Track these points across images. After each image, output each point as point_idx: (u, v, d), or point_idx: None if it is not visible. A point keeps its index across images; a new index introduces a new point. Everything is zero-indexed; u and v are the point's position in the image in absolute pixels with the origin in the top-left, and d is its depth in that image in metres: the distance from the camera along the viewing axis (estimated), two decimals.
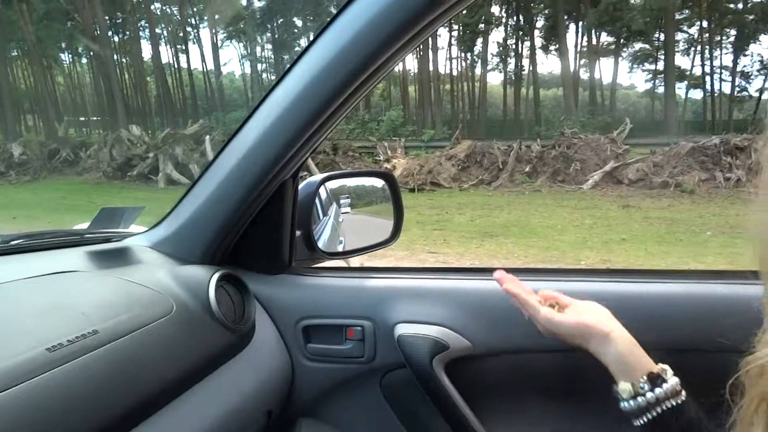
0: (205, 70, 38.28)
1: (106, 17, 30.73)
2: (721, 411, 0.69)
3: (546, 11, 29.99)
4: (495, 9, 30.38)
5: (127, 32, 34.33)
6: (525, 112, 32.46)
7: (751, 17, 28.17)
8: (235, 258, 1.26)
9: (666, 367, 0.85)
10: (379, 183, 1.66)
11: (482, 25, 29.83)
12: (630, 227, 9.19)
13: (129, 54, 35.04)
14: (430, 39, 27.62)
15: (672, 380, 0.83)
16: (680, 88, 31.26)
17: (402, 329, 1.17)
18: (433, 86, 28.54)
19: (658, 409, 0.81)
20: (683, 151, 12.86)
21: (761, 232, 0.60)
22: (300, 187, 1.30)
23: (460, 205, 11.71)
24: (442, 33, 31.88)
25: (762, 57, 30.67)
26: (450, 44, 33.21)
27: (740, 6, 28.64)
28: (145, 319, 0.93)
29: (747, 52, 31.07)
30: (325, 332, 1.25)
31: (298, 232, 1.30)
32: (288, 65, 1.05)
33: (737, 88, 31.85)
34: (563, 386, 1.17)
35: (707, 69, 32.12)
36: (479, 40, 31.64)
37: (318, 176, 1.35)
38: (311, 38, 1.03)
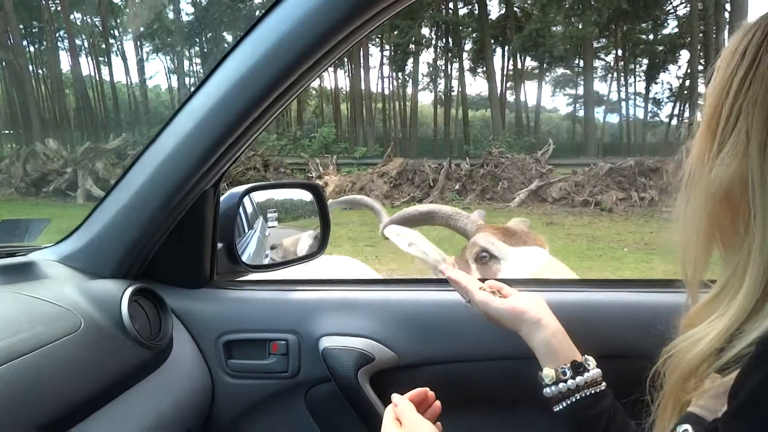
0: (129, 83, 36.91)
1: (21, 26, 29.12)
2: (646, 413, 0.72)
3: (473, 35, 31.03)
4: (425, 30, 31.16)
5: (44, 42, 32.63)
6: (455, 131, 33.27)
7: (661, 48, 30.36)
8: (152, 272, 1.21)
9: (590, 358, 0.90)
10: (306, 196, 1.64)
11: (412, 46, 30.46)
12: (554, 244, 9.54)
13: (46, 65, 33.29)
14: (361, 58, 27.94)
15: (594, 371, 0.88)
16: (599, 112, 33.14)
17: (327, 342, 1.15)
18: (365, 104, 28.78)
19: (578, 396, 0.86)
20: (602, 171, 13.57)
21: (680, 249, 0.65)
22: (222, 198, 1.26)
23: None
24: (374, 52, 32.35)
25: (671, 85, 33.11)
26: (382, 63, 33.71)
27: (651, 37, 30.82)
28: (48, 337, 0.87)
29: (658, 80, 33.49)
30: (248, 347, 1.21)
31: (220, 245, 1.26)
32: (207, 72, 1.02)
33: (650, 114, 34.22)
34: (489, 395, 1.19)
35: (623, 95, 34.29)
36: (410, 61, 32.29)
37: (241, 187, 1.32)
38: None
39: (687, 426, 0.58)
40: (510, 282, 1.20)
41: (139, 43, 34.43)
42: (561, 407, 0.88)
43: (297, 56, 0.92)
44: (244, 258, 1.37)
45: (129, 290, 1.03)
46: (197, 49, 35.63)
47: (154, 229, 1.12)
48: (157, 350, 1.05)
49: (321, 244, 1.44)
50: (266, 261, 1.64)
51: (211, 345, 1.21)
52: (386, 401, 1.15)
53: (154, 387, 1.04)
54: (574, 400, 0.87)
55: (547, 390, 0.89)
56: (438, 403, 0.91)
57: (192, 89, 1.05)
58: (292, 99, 1.06)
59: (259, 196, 1.71)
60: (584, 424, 0.86)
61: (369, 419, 1.15)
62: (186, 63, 36.83)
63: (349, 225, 11.15)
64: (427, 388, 0.90)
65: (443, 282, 1.28)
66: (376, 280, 1.32)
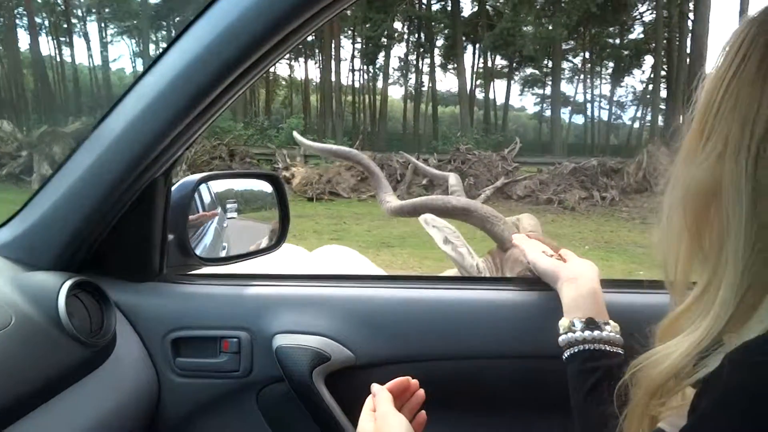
0: (91, 65, 35.81)
1: None
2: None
3: (445, 31, 31.14)
4: (397, 24, 31.11)
5: (2, 18, 31.35)
6: (424, 127, 33.40)
7: (627, 52, 31.06)
8: (96, 264, 1.13)
9: (612, 323, 0.93)
10: (267, 187, 1.58)
11: (384, 40, 30.38)
12: None
13: (2, 42, 31.98)
14: (333, 49, 27.71)
15: (607, 333, 0.91)
16: (565, 113, 33.81)
17: (281, 340, 1.10)
18: (335, 96, 28.55)
19: (581, 347, 0.91)
20: (566, 170, 13.80)
21: (661, 251, 0.63)
22: (174, 187, 1.19)
23: (358, 215, 11.74)
24: (346, 44, 32.16)
25: (635, 89, 33.96)
26: (353, 56, 33.55)
27: (618, 41, 31.47)
28: None
29: (622, 84, 34.29)
30: (198, 345, 1.15)
31: (171, 236, 1.19)
32: (159, 51, 0.96)
33: (614, 116, 35.09)
34: (448, 395, 1.16)
35: (588, 97, 35.03)
36: (381, 54, 32.22)
37: (195, 176, 1.25)
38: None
39: None
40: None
41: (103, 25, 33.44)
42: (566, 355, 0.93)
43: (255, 38, 0.86)
44: (199, 250, 1.31)
45: (67, 283, 0.96)
46: (164, 33, 34.83)
47: (99, 218, 1.04)
48: (98, 348, 0.98)
49: (279, 237, 1.38)
50: (223, 254, 1.58)
51: (158, 342, 1.14)
52: (341, 402, 1.12)
53: (94, 387, 0.97)
54: (577, 350, 0.91)
55: (560, 339, 0.94)
56: (421, 392, 0.91)
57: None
58: (251, 83, 1.00)
59: (218, 186, 1.64)
60: (579, 375, 0.90)
61: (323, 420, 1.10)
62: (152, 47, 35.95)
63: (315, 218, 11.07)
64: (409, 377, 0.89)
65: (403, 279, 1.25)
66: (334, 276, 1.27)
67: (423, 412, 0.90)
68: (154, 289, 1.18)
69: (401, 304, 1.14)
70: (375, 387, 0.88)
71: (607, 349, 0.90)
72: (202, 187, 1.46)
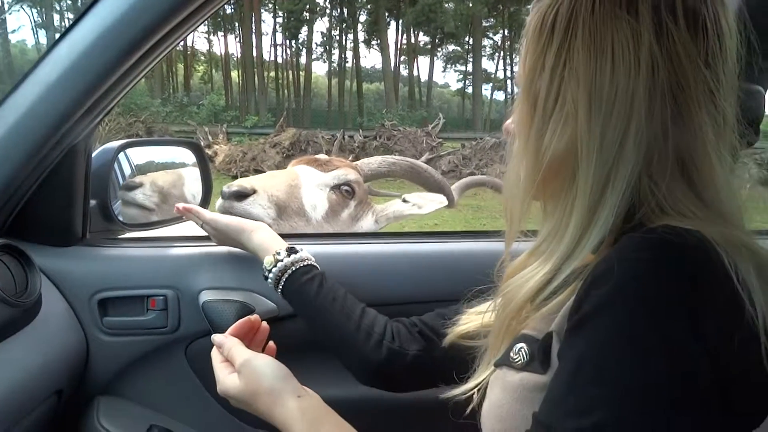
0: None
1: None
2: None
3: (368, 6, 30.93)
4: None
5: None
6: (349, 103, 33.21)
7: None
8: (18, 229, 1.15)
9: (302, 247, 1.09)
10: (189, 157, 1.61)
11: (306, 14, 29.80)
12: (441, 213, 9.82)
13: None
14: (253, 23, 26.88)
15: (304, 253, 1.07)
16: (486, 89, 34.58)
17: (207, 296, 1.17)
18: (257, 72, 27.82)
19: (294, 268, 1.04)
20: (488, 145, 14.25)
21: (507, 206, 0.72)
22: (95, 154, 1.22)
23: None
24: (267, 18, 31.27)
25: None
26: (275, 30, 32.70)
27: None
28: None
29: None
30: (125, 304, 1.19)
31: (93, 202, 1.22)
32: (74, 17, 0.98)
33: None
34: None
35: (509, 73, 35.93)
36: (304, 29, 31.61)
37: (115, 143, 1.27)
38: None
39: (522, 344, 0.66)
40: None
41: None
42: (282, 284, 1.04)
43: (172, 4, 0.90)
44: (121, 216, 1.34)
45: None
46: (68, 2, 32.48)
47: (17, 186, 1.06)
48: (23, 308, 1.01)
49: (203, 202, 1.43)
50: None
51: (84, 303, 1.18)
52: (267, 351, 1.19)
53: (21, 346, 1.00)
54: (292, 271, 1.04)
55: (269, 276, 1.05)
56: (265, 324, 0.95)
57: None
58: (170, 49, 1.03)
59: (139, 158, 1.65)
60: (302, 288, 1.03)
61: None
62: (56, 17, 33.48)
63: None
64: (250, 317, 0.94)
65: (323, 236, 1.34)
66: None
67: (271, 342, 0.95)
68: (77, 252, 1.21)
69: (321, 258, 1.23)
70: (217, 338, 0.89)
71: (311, 263, 1.06)
72: (122, 158, 1.47)
